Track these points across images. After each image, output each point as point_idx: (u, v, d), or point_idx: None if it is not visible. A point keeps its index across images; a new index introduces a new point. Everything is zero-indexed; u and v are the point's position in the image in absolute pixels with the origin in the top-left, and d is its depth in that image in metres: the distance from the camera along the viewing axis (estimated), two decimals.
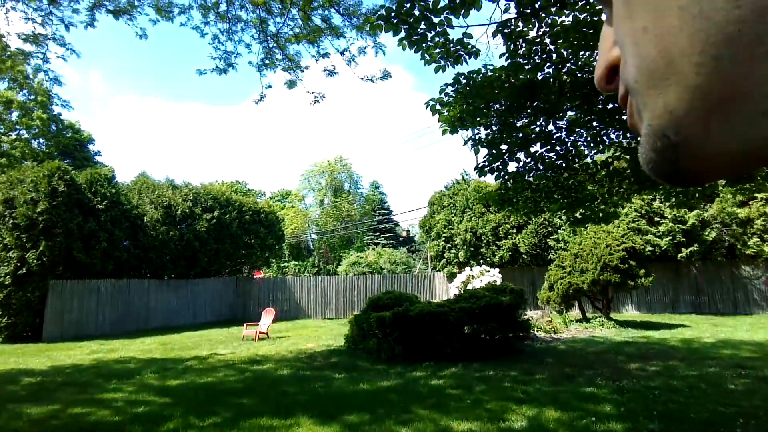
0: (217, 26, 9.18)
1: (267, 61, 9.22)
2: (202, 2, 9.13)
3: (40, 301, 14.86)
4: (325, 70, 8.37)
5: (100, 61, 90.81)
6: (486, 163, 5.10)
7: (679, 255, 16.47)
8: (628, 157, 4.94)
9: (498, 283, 14.05)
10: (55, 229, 14.82)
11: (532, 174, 5.18)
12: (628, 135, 4.87)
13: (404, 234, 61.52)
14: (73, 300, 15.62)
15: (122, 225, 16.90)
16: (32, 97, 31.94)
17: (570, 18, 4.21)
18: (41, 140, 32.48)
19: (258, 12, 8.93)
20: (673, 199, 5.68)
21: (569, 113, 4.82)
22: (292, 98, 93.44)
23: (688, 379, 6.69)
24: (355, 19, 7.65)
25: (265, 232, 22.26)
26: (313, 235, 51.36)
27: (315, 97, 8.63)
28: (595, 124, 4.87)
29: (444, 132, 4.97)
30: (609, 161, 5.13)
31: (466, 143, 5.12)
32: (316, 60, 8.21)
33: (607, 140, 4.99)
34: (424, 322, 8.85)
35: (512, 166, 5.13)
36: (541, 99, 4.35)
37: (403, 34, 4.18)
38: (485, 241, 20.20)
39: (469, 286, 13.86)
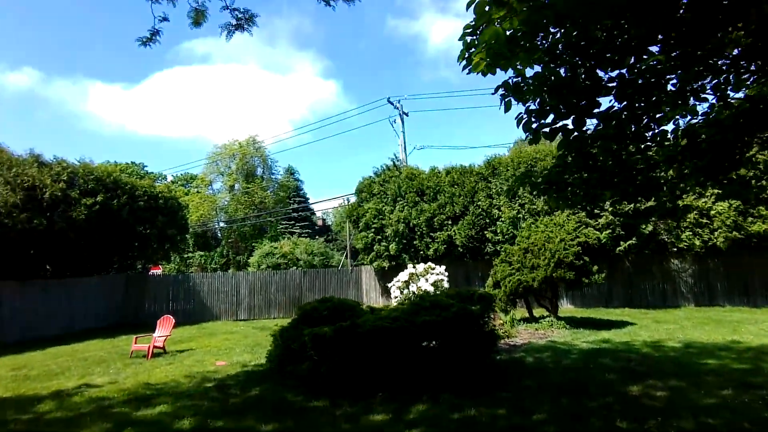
0: None
1: None
2: None
3: None
4: None
5: None
6: (548, 120, 3.15)
7: (617, 248, 16.11)
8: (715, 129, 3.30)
9: (445, 281, 12.42)
10: None
11: (597, 143, 3.37)
12: (729, 92, 3.23)
13: (320, 223, 59.19)
14: None
15: None
16: None
17: None
18: None
19: None
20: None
21: (650, 50, 3.06)
22: (197, 72, 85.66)
23: (719, 412, 5.38)
24: None
25: (163, 221, 18.81)
26: (222, 224, 47.03)
27: (238, 20, 6.04)
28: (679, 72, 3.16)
29: (477, 68, 2.95)
30: (692, 130, 3.46)
31: (497, 90, 3.16)
32: None
33: (692, 101, 3.30)
34: (377, 342, 6.86)
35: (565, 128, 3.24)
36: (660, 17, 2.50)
37: None
38: (419, 233, 18.64)
39: (412, 287, 12.10)
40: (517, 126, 3.36)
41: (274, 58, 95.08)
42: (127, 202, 17.43)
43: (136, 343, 11.31)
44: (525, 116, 3.28)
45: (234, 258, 44.42)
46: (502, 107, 3.19)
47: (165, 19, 6.23)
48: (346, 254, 28.29)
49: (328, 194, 74.76)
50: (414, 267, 13.05)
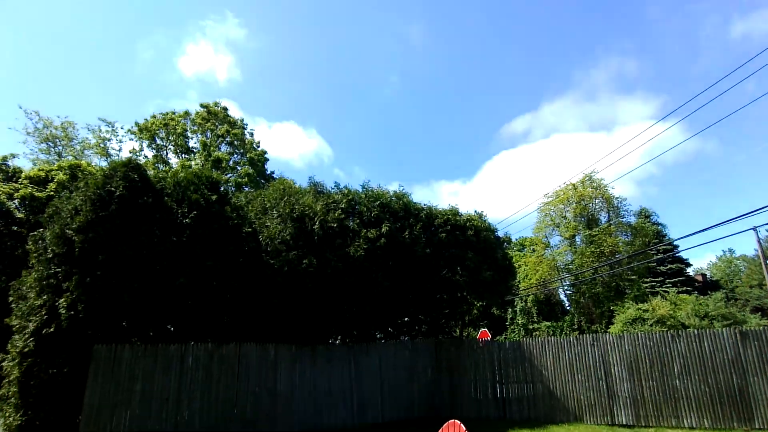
0: None
1: None
2: None
3: (75, 382, 8.66)
4: None
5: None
6: None
7: None
8: None
9: None
10: (97, 256, 8.73)
11: None
12: None
13: (699, 278, 43.30)
14: (135, 379, 9.00)
15: (222, 249, 10.07)
16: (244, 156, 31.47)
17: None
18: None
19: None
20: None
21: None
22: (522, 151, 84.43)
23: None
24: None
25: (476, 260, 12.84)
26: (567, 286, 38.70)
27: None
28: None
29: None
30: None
31: None
32: None
33: None
34: None
35: None
36: None
37: None
38: None
39: None
40: None
41: (597, 113, 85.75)
42: (422, 233, 12.36)
43: None
44: None
45: (588, 328, 34.92)
46: None
47: None
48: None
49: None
50: None
